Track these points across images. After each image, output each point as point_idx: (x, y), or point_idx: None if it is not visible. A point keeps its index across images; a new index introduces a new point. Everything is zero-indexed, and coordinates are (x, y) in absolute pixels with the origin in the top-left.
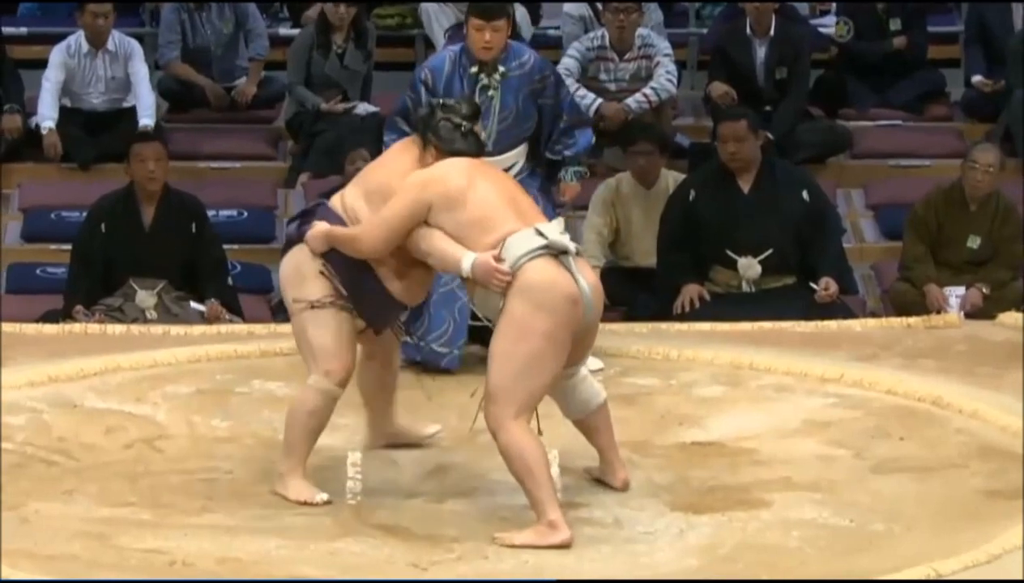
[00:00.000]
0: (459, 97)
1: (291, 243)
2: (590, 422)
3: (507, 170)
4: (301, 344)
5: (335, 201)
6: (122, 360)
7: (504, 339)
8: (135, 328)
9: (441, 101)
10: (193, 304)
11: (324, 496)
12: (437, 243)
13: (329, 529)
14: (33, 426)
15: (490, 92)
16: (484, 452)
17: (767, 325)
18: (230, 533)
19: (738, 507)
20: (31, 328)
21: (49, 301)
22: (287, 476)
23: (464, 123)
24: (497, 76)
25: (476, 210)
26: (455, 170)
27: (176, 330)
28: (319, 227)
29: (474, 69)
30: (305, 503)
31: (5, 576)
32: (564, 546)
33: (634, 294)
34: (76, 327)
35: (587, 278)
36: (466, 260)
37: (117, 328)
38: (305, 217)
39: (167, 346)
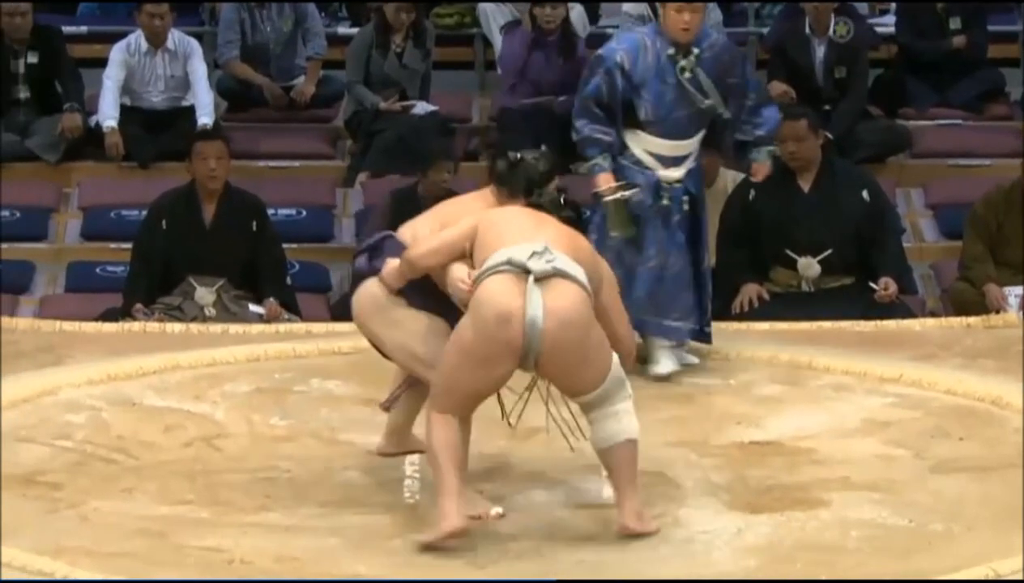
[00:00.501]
0: (541, 153)
1: (361, 277)
2: (605, 459)
3: (687, 157)
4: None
5: (404, 231)
6: (181, 359)
7: (450, 340)
8: (194, 327)
9: (520, 156)
10: (252, 307)
11: (498, 510)
12: (451, 268)
13: (387, 528)
14: (93, 424)
15: (687, 74)
16: (541, 450)
17: (826, 325)
18: (288, 532)
19: (796, 507)
20: (90, 326)
21: (109, 299)
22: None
23: (539, 177)
24: (692, 57)
25: (495, 239)
26: (506, 211)
27: (235, 329)
28: (392, 264)
29: (671, 51)
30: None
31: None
32: (451, 536)
33: None
34: (135, 326)
35: (553, 303)
36: (454, 272)
37: (176, 327)
38: (374, 251)
39: (226, 345)
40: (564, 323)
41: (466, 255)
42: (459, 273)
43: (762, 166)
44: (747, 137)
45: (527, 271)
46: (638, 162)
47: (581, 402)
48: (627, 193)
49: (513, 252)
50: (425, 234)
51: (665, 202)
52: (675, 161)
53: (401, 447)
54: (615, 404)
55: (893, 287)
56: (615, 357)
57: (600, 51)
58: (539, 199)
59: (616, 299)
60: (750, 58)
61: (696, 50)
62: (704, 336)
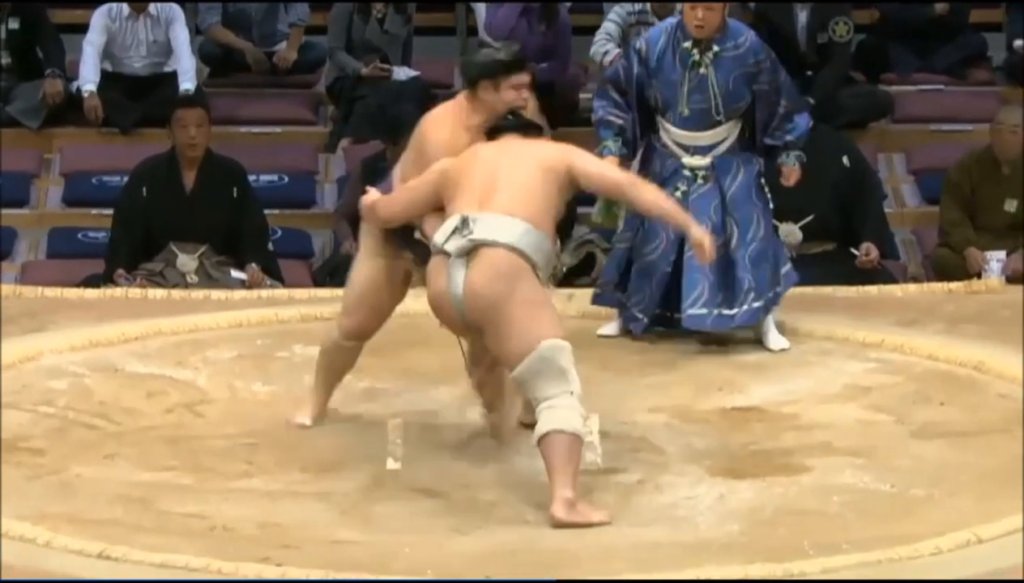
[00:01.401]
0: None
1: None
2: (539, 448)
3: (714, 146)
4: None
5: (396, 169)
6: (163, 325)
7: None
8: (176, 293)
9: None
10: (234, 272)
11: (306, 421)
12: (426, 228)
13: (370, 494)
14: (74, 390)
15: (701, 69)
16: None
17: (808, 290)
18: (270, 498)
19: (779, 472)
20: (72, 292)
21: (90, 265)
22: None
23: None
24: (710, 54)
25: (454, 188)
26: (469, 156)
27: (217, 295)
28: (369, 198)
29: (687, 44)
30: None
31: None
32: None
33: None
34: (117, 292)
35: (470, 277)
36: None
37: (158, 292)
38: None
39: (208, 311)
40: (477, 295)
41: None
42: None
43: (791, 171)
44: (776, 142)
45: (446, 253)
46: (665, 146)
47: (518, 384)
48: None
49: (438, 236)
50: (407, 173)
51: (677, 192)
52: (699, 150)
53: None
54: (553, 398)
55: (875, 252)
56: (551, 344)
57: None
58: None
59: (589, 161)
60: None
61: (716, 48)
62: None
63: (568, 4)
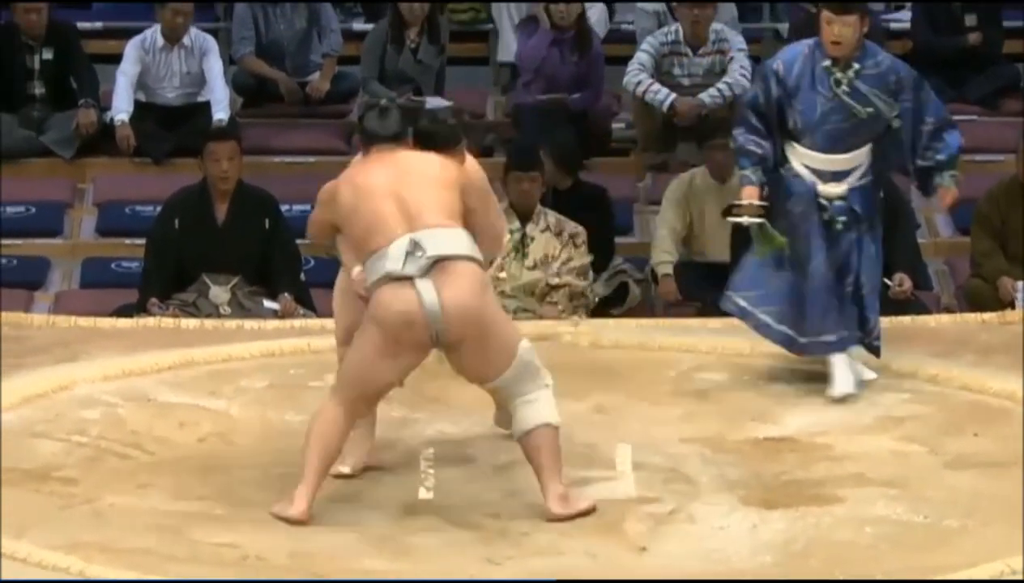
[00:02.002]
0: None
1: None
2: (524, 447)
3: (849, 172)
4: None
5: None
6: (196, 354)
7: (356, 334)
8: (209, 322)
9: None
10: (267, 303)
11: (346, 469)
12: (343, 253)
13: (402, 523)
14: (107, 420)
15: (842, 88)
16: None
17: None
18: (303, 528)
19: (811, 503)
20: (106, 322)
21: (124, 295)
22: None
23: (383, 102)
24: (851, 73)
25: (362, 226)
26: (352, 180)
27: (250, 324)
28: None
29: (827, 63)
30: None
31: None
32: (295, 522)
33: (708, 289)
34: (150, 321)
35: (448, 293)
36: (353, 272)
37: (191, 322)
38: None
39: (241, 340)
40: (462, 309)
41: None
42: (357, 287)
43: (948, 191)
44: (928, 162)
45: (408, 277)
46: (797, 175)
47: (494, 389)
48: (754, 220)
49: (387, 263)
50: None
51: (826, 217)
52: (835, 176)
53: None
54: (530, 393)
55: (908, 283)
56: (525, 345)
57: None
58: (379, 125)
59: (486, 196)
60: (766, 54)
61: (856, 66)
62: (871, 348)
63: (601, 34)
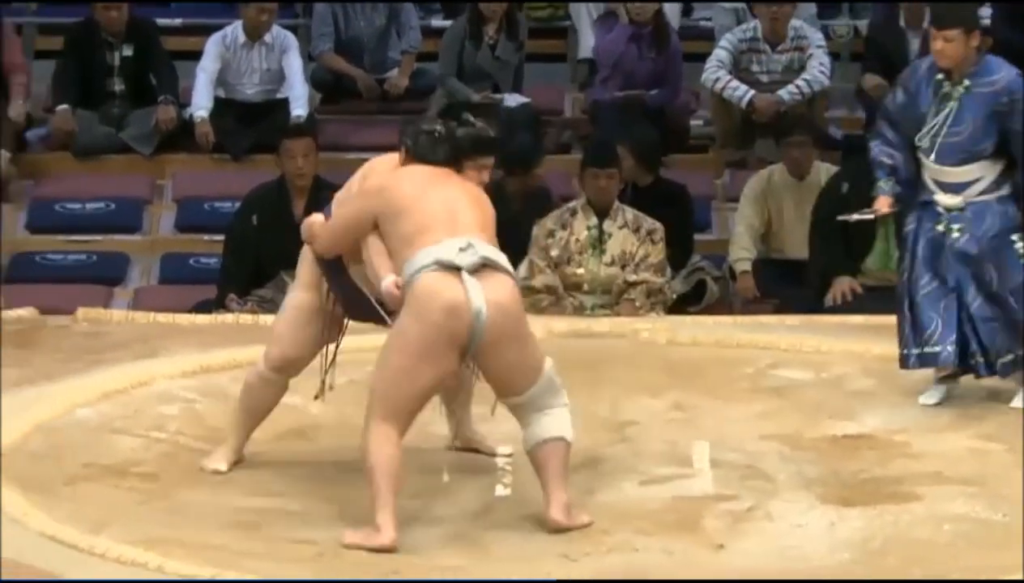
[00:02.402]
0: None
1: None
2: (533, 457)
3: (966, 185)
4: None
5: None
6: None
7: (387, 345)
8: None
9: (442, 129)
10: None
11: (222, 467)
12: (372, 255)
13: (479, 520)
14: (186, 416)
15: (951, 102)
16: (633, 445)
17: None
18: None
19: (889, 500)
20: (184, 318)
21: (202, 291)
22: (218, 447)
23: (438, 129)
24: (961, 88)
25: (413, 224)
26: (408, 179)
27: None
28: (309, 219)
29: (940, 76)
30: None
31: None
32: (387, 550)
33: (785, 286)
34: (228, 317)
35: (493, 295)
36: (384, 281)
37: (269, 318)
38: None
39: None
40: (504, 312)
41: (368, 234)
42: (391, 288)
43: None
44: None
45: (458, 268)
46: (924, 183)
47: (517, 403)
48: (865, 216)
49: (439, 252)
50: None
51: (940, 229)
52: (953, 188)
53: (462, 442)
54: (549, 408)
55: None
56: (551, 363)
57: None
58: (432, 152)
59: None
60: (844, 53)
61: (967, 82)
62: (982, 368)
63: (679, 30)
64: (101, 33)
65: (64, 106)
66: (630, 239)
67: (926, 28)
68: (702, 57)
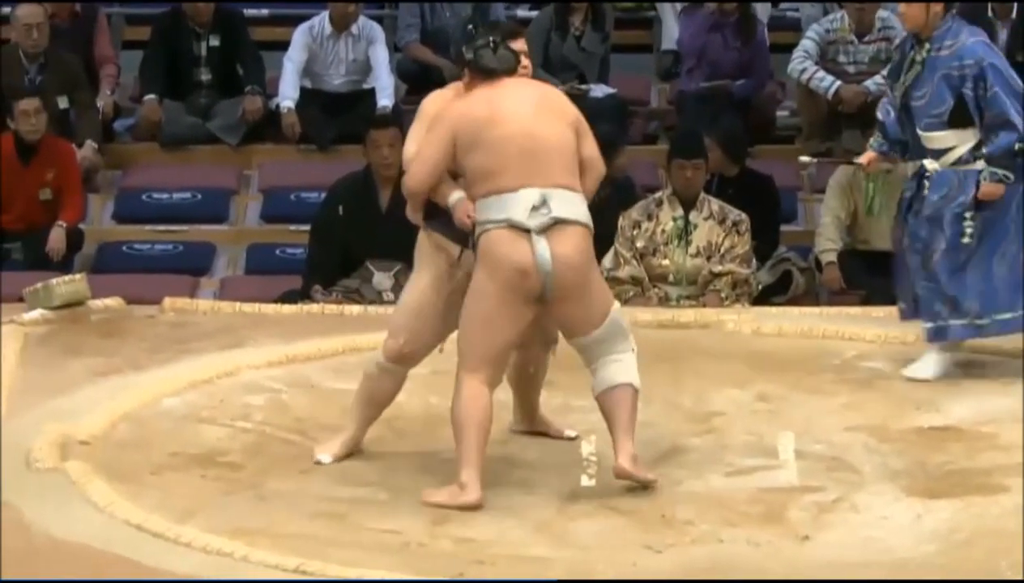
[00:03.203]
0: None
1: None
2: (603, 403)
3: (944, 151)
4: None
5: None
6: (359, 340)
7: (467, 303)
8: (372, 309)
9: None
10: None
11: (327, 459)
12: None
13: (564, 510)
14: (272, 406)
15: (915, 67)
16: (721, 435)
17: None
18: (466, 514)
19: (976, 492)
20: (270, 308)
21: (288, 282)
22: (333, 436)
23: (492, 38)
24: (924, 53)
25: (488, 160)
26: (482, 103)
27: None
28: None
29: (912, 40)
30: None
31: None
32: (472, 508)
33: (872, 278)
34: (314, 308)
35: (560, 250)
36: (453, 197)
37: (354, 309)
38: None
39: None
40: (571, 268)
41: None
42: (465, 206)
43: (986, 187)
44: (983, 153)
45: (528, 230)
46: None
47: (583, 344)
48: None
49: (511, 210)
50: (411, 152)
51: (924, 192)
52: (934, 153)
53: (527, 426)
54: (617, 353)
55: None
56: (618, 307)
57: None
58: (495, 61)
59: (588, 131)
60: None
61: (928, 46)
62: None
63: (765, 22)
64: (188, 23)
65: (151, 96)
66: (716, 230)
67: (1014, 19)
68: (789, 48)
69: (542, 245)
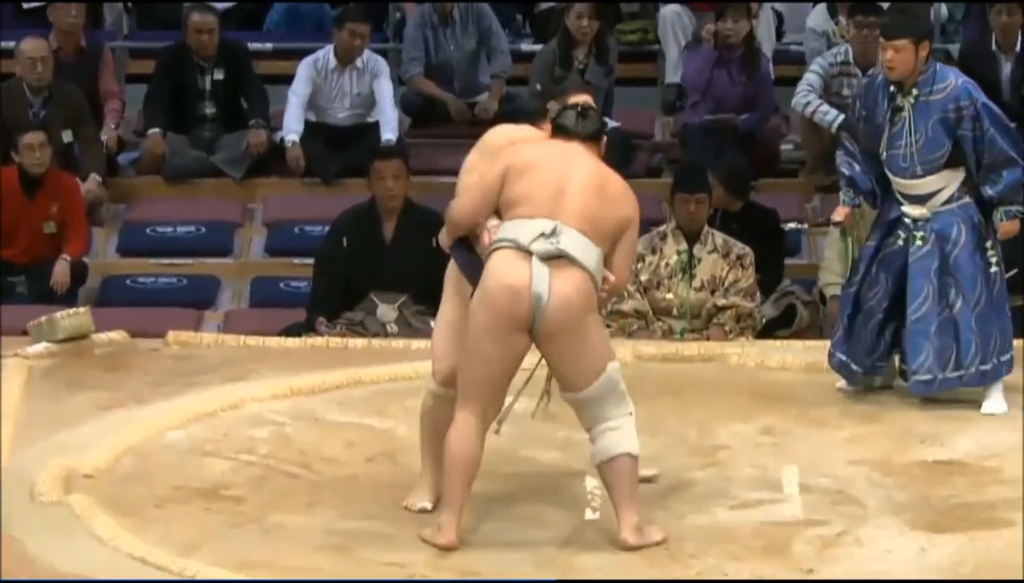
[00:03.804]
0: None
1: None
2: (603, 474)
3: (929, 196)
4: None
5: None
6: (363, 374)
7: (468, 327)
8: (376, 342)
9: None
10: (434, 322)
11: (427, 505)
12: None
13: (568, 544)
14: (276, 439)
15: (902, 113)
16: (726, 469)
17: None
18: (469, 547)
19: (981, 526)
20: (274, 341)
21: (292, 315)
22: (417, 486)
23: (582, 106)
24: (911, 98)
25: (520, 189)
26: (537, 146)
27: (417, 344)
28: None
29: (892, 89)
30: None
31: None
32: (445, 549)
33: None
34: (318, 341)
35: (558, 285)
36: (489, 222)
37: (358, 342)
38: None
39: (408, 360)
40: (565, 304)
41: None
42: (488, 233)
43: (1001, 228)
44: (985, 195)
45: (531, 253)
46: (891, 193)
47: (577, 401)
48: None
49: (521, 232)
50: (464, 182)
51: (898, 243)
52: (917, 199)
53: None
54: (614, 419)
55: None
56: (616, 366)
57: None
58: (575, 124)
59: (633, 241)
60: None
61: (915, 92)
62: (922, 385)
63: (769, 56)
64: (192, 57)
65: (155, 130)
66: (720, 264)
67: (1018, 51)
68: (793, 81)
69: (542, 272)
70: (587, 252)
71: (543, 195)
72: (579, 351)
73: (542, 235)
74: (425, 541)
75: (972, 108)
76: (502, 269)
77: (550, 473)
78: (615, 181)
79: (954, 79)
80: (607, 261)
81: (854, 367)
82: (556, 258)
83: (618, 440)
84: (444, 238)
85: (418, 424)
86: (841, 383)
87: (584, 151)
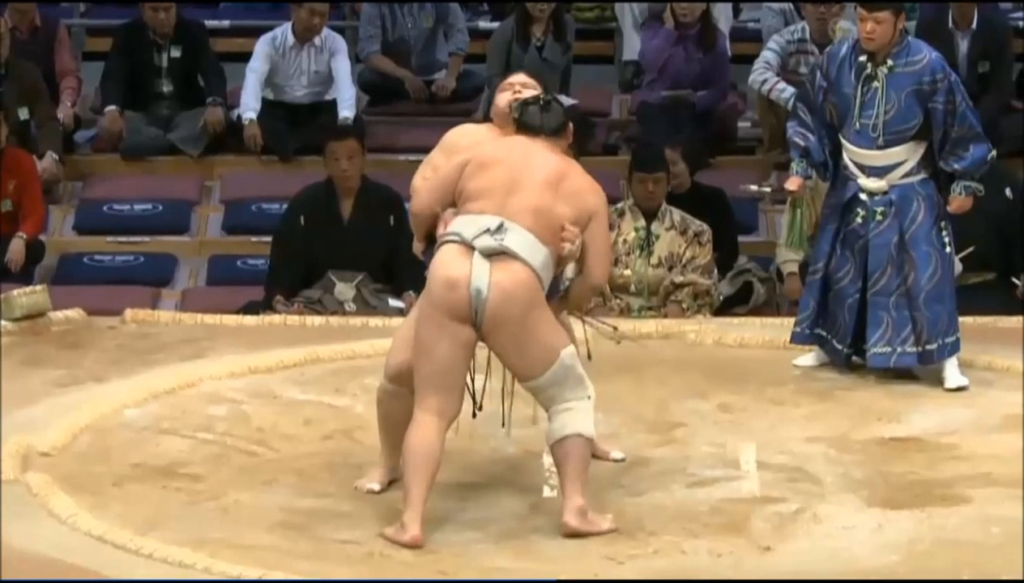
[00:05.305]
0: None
1: None
2: (554, 453)
3: (890, 168)
4: None
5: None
6: (321, 351)
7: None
8: (334, 320)
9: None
10: (391, 300)
11: (375, 486)
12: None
13: (527, 522)
14: (233, 417)
15: (874, 84)
16: (683, 446)
17: (968, 320)
18: (429, 525)
19: (938, 503)
20: (232, 319)
21: (250, 292)
22: (372, 468)
23: (546, 97)
24: (884, 69)
25: (475, 185)
26: (498, 142)
27: (375, 321)
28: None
29: (863, 59)
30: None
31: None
32: (410, 546)
33: None
34: (276, 318)
35: (498, 278)
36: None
37: (316, 320)
38: None
39: (366, 337)
40: (505, 296)
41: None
42: (446, 214)
43: (956, 201)
44: (948, 168)
45: (473, 248)
46: (846, 168)
47: (530, 388)
48: (764, 189)
49: (466, 229)
50: (427, 177)
51: (858, 221)
52: (874, 171)
53: None
54: (569, 401)
55: None
56: (570, 352)
57: None
58: (537, 118)
59: (603, 235)
60: None
61: (890, 63)
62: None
63: (726, 33)
64: (149, 34)
65: (112, 107)
66: (677, 241)
67: (975, 29)
68: (750, 59)
69: (482, 267)
70: (533, 250)
71: (496, 192)
72: (524, 344)
73: (487, 231)
74: (388, 540)
75: (946, 81)
76: (444, 263)
77: (507, 452)
78: (575, 175)
79: (927, 52)
80: (582, 261)
81: (837, 345)
82: (499, 254)
83: (570, 421)
84: (416, 244)
85: (375, 403)
86: (799, 360)
87: (546, 147)
